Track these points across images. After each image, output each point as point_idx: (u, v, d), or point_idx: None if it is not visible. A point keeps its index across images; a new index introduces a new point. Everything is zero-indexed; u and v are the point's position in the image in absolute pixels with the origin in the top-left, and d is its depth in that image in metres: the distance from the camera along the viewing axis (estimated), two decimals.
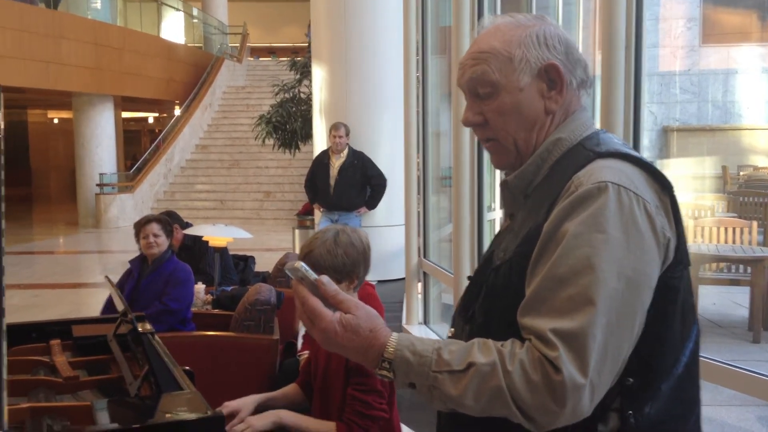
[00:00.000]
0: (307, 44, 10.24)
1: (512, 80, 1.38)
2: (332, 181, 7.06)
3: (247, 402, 2.53)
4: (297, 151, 10.42)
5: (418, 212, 6.18)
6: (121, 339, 2.78)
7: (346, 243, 2.57)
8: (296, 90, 10.19)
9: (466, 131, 4.49)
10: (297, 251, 8.65)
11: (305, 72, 9.92)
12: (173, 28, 21.28)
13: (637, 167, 1.30)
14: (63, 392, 2.40)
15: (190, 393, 2.11)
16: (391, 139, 7.58)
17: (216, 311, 5.19)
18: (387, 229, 7.30)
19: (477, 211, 4.47)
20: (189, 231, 5.69)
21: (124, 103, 19.09)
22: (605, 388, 1.20)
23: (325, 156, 7.16)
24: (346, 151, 7.02)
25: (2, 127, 2.14)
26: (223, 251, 5.71)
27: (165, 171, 17.89)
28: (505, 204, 1.51)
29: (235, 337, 4.42)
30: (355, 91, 7.44)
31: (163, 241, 4.79)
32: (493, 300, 1.37)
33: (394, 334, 1.25)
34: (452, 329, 1.50)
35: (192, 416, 1.94)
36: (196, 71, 20.28)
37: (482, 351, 1.22)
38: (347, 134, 6.99)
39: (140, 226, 4.80)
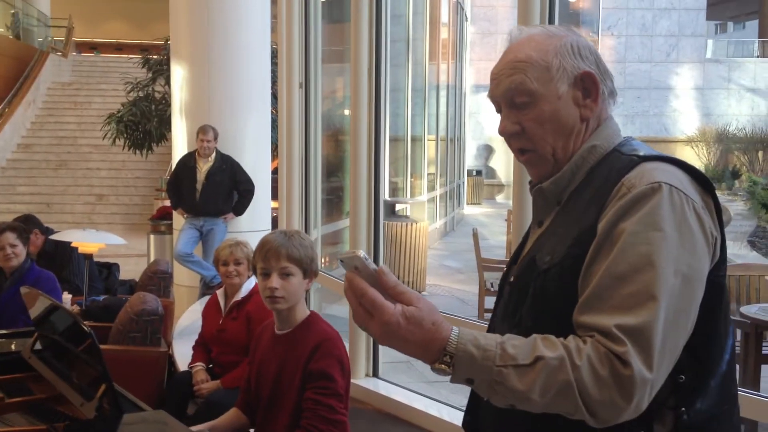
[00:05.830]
0: (162, 42, 9.76)
1: (550, 89, 1.41)
2: (199, 186, 6.76)
3: None
4: (150, 152, 9.93)
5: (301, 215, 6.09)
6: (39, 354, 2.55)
7: (307, 238, 2.51)
8: (150, 88, 9.71)
9: (363, 131, 4.50)
10: (153, 257, 8.24)
11: (159, 71, 9.50)
12: None
13: (680, 170, 1.35)
14: None
15: (157, 415, 1.96)
16: (256, 143, 7.41)
17: (87, 323, 4.83)
18: (252, 235, 7.11)
19: (374, 221, 4.48)
20: (55, 237, 5.27)
21: None
22: (661, 383, 1.23)
23: (190, 159, 6.84)
24: (213, 155, 6.76)
25: None
26: (89, 258, 5.33)
27: None
28: (536, 210, 1.54)
29: (120, 350, 4.15)
30: (219, 92, 7.17)
31: (21, 251, 4.48)
32: (543, 303, 1.37)
33: (455, 328, 1.22)
34: None
35: None
36: (17, 65, 18.85)
37: (547, 345, 1.22)
38: (216, 138, 6.73)
39: None
